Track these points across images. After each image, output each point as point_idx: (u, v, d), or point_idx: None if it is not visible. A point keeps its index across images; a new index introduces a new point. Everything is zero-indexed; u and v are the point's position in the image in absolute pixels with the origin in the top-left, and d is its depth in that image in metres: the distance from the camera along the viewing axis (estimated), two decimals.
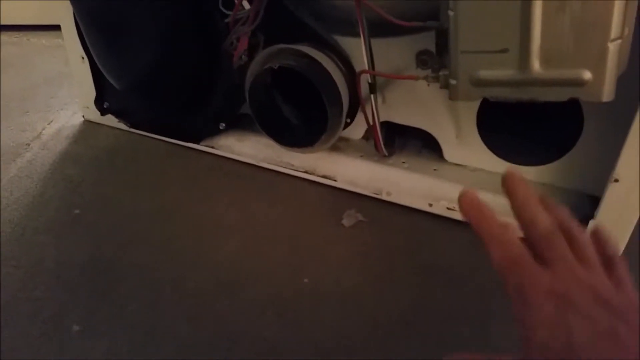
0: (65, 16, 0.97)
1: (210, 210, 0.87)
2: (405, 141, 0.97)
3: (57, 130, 1.08)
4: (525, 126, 0.81)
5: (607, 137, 0.74)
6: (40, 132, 1.07)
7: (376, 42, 0.78)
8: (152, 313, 0.68)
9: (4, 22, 1.59)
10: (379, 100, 0.86)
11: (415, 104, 0.86)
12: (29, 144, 1.04)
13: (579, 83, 0.62)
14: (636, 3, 0.62)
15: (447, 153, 0.90)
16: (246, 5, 0.78)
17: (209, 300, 0.71)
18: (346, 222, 0.85)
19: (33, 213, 0.86)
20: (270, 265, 0.77)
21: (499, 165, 0.87)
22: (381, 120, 0.87)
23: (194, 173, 0.96)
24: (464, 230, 0.82)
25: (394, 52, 0.81)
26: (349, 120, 0.87)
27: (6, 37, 1.56)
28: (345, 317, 0.68)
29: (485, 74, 0.65)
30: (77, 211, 0.86)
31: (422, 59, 0.81)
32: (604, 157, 0.73)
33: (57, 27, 1.01)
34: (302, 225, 0.84)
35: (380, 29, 0.77)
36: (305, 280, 0.74)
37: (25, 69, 1.35)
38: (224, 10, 0.80)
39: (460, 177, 0.88)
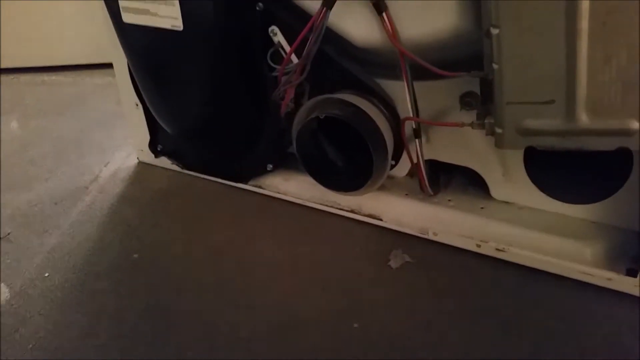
0: (118, 58, 1.02)
1: (259, 252, 0.90)
2: (450, 178, 0.97)
3: (113, 173, 1.14)
4: (574, 163, 0.81)
5: None
6: (98, 175, 1.13)
7: (419, 85, 0.80)
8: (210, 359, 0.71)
9: (59, 63, 1.68)
10: (423, 139, 0.88)
11: (460, 142, 0.87)
12: (87, 187, 1.10)
13: (627, 133, 0.62)
14: None
15: (494, 191, 0.90)
16: (294, 59, 0.80)
17: (263, 346, 0.73)
18: (393, 263, 0.86)
19: (94, 258, 0.91)
20: (321, 309, 0.78)
21: (547, 203, 0.86)
22: (426, 158, 0.88)
23: (242, 213, 0.99)
24: (512, 272, 0.82)
25: (437, 94, 0.82)
26: (394, 163, 0.88)
27: (62, 77, 1.65)
28: None
29: (531, 123, 0.66)
30: (135, 256, 0.91)
31: (467, 100, 0.81)
32: None
33: (108, 65, 1.06)
34: (350, 266, 0.86)
35: (424, 72, 0.78)
36: (355, 325, 0.76)
37: (80, 110, 1.43)
38: (272, 64, 0.83)
39: (508, 216, 0.87)
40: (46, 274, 0.88)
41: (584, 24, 0.58)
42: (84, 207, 1.04)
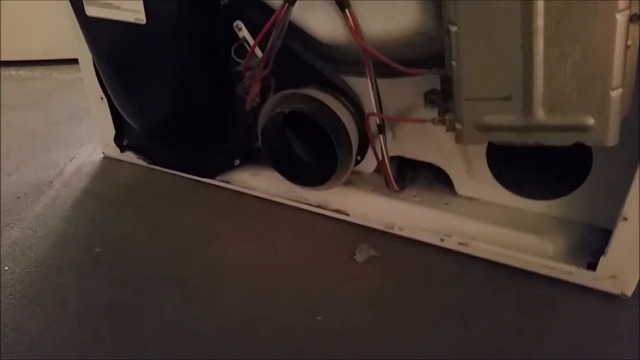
0: (83, 53, 1.00)
1: (225, 247, 0.89)
2: (416, 174, 0.98)
3: (78, 167, 1.12)
4: (535, 160, 0.82)
5: (617, 170, 0.74)
6: (62, 169, 1.12)
7: (384, 81, 0.80)
8: (171, 353, 0.71)
9: (27, 58, 1.65)
10: (389, 135, 0.88)
11: (424, 139, 0.88)
12: (51, 182, 1.08)
13: (583, 129, 0.63)
14: (637, 50, 0.63)
15: (459, 187, 0.91)
16: (258, 53, 0.80)
17: (226, 339, 0.73)
18: (359, 257, 0.86)
19: (56, 252, 0.89)
20: (285, 303, 0.79)
21: (510, 199, 0.88)
22: (392, 154, 0.89)
23: (209, 209, 0.99)
24: (475, 266, 0.83)
25: (402, 91, 0.83)
26: (359, 158, 0.89)
27: (31, 72, 1.62)
28: (358, 356, 0.70)
29: (489, 119, 0.67)
30: (97, 250, 0.90)
31: (430, 97, 0.82)
32: (615, 190, 0.73)
33: (77, 61, 1.05)
34: (316, 261, 0.86)
35: (388, 68, 0.79)
36: (319, 317, 0.76)
37: (48, 105, 1.40)
38: (236, 59, 0.82)
39: (472, 211, 0.88)
40: (6, 267, 0.87)
41: (539, 22, 0.58)
42: (47, 201, 1.02)
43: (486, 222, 0.86)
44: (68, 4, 0.89)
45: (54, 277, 0.84)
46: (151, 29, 0.83)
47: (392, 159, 0.91)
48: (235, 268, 0.85)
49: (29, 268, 0.86)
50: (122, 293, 0.81)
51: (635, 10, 0.61)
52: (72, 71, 1.57)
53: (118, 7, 0.83)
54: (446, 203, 0.91)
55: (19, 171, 1.11)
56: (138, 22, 0.82)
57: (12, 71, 1.63)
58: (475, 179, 0.89)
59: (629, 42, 0.61)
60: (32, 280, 0.84)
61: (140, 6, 0.81)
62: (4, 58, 1.65)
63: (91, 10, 0.86)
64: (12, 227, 0.95)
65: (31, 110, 1.38)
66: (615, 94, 0.60)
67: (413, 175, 0.98)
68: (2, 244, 0.91)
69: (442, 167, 0.91)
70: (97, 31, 0.89)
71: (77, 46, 0.99)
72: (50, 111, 1.37)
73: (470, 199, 0.91)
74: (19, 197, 1.03)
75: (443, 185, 0.94)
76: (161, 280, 0.83)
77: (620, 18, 0.56)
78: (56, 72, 1.61)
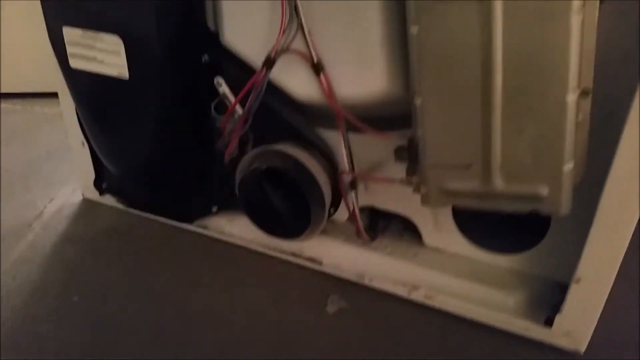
0: (64, 89, 0.99)
1: (199, 297, 0.91)
2: (389, 223, 1.02)
3: (58, 209, 1.14)
4: (499, 215, 0.86)
5: (577, 227, 0.78)
6: (42, 211, 1.13)
7: (357, 136, 0.84)
8: None
9: (6, 90, 1.66)
10: (361, 187, 0.92)
11: (394, 191, 0.91)
12: (31, 225, 1.09)
13: (538, 198, 0.67)
14: (588, 123, 0.69)
15: (426, 238, 0.95)
16: (238, 109, 0.84)
17: None
18: (330, 308, 0.89)
19: (34, 299, 0.90)
20: (256, 354, 0.81)
21: (475, 251, 0.92)
22: (364, 205, 0.93)
23: (185, 256, 1.01)
24: (441, 319, 0.86)
25: (374, 146, 0.86)
26: (332, 210, 0.92)
27: (10, 105, 1.63)
28: None
29: (452, 185, 0.71)
30: (75, 298, 0.91)
31: (400, 154, 0.86)
32: (575, 247, 0.77)
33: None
34: (288, 312, 0.88)
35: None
36: None
37: (27, 141, 1.41)
38: (215, 115, 0.86)
39: (438, 263, 0.92)
40: None
41: (497, 99, 0.63)
42: (26, 246, 1.03)
43: (451, 275, 0.89)
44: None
45: (32, 326, 0.85)
46: (134, 84, 0.86)
47: (364, 209, 0.95)
48: (207, 320, 0.87)
49: (7, 316, 0.87)
50: (98, 343, 0.82)
51: (585, 84, 0.67)
52: (53, 105, 1.58)
53: (102, 61, 0.86)
54: (414, 254, 0.95)
55: None
56: (121, 76, 0.86)
57: None
58: (441, 231, 0.93)
59: (580, 117, 0.66)
60: (9, 330, 0.85)
61: (123, 62, 0.84)
62: None
63: (75, 63, 0.89)
64: None
65: (11, 146, 1.39)
66: (567, 167, 0.64)
67: (385, 224, 1.02)
68: None
69: (411, 218, 0.94)
70: (80, 82, 0.92)
71: (58, 81, 0.99)
72: (30, 147, 1.39)
73: (437, 250, 0.95)
74: None
75: (413, 235, 0.97)
76: (136, 330, 0.85)
77: (570, 98, 0.61)
78: (37, 105, 1.62)
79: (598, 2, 0.62)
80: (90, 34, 0.84)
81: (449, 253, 0.94)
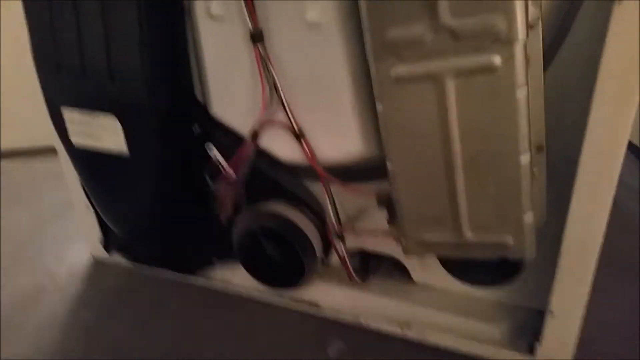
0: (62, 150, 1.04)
1: (207, 349, 0.98)
2: (380, 262, 1.08)
3: (69, 271, 1.21)
4: None
5: (551, 258, 0.84)
6: (55, 274, 1.20)
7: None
8: None
9: (9, 147, 1.72)
10: (350, 232, 0.99)
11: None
12: (45, 288, 1.16)
13: (505, 246, 0.74)
14: (544, 174, 0.76)
15: (414, 275, 1.02)
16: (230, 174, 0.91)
17: None
18: (330, 352, 0.96)
19: None
20: None
21: (459, 286, 0.98)
22: (354, 247, 1.00)
23: (193, 308, 1.07)
24: (435, 354, 0.92)
25: (357, 195, 0.93)
26: (324, 258, 0.99)
27: (10, 163, 1.70)
28: None
29: (428, 236, 0.78)
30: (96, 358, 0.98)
31: (382, 202, 0.94)
32: (552, 277, 0.83)
33: None
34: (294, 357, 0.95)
35: (344, 175, 0.89)
36: None
37: (32, 201, 1.48)
38: (209, 181, 0.93)
39: (428, 300, 0.99)
40: None
41: (458, 164, 0.70)
42: (44, 313, 1.09)
43: (440, 311, 0.96)
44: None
45: None
46: (132, 157, 0.93)
47: (355, 251, 1.01)
48: None
49: None
50: None
51: (538, 141, 0.74)
52: (54, 159, 1.65)
53: (100, 139, 0.93)
54: (405, 292, 1.01)
55: (11, 281, 1.19)
56: (120, 152, 0.93)
57: None
58: (428, 269, 1.00)
59: (536, 170, 0.73)
60: None
61: (122, 140, 0.91)
62: None
63: (75, 138, 0.96)
64: (11, 343, 1.02)
65: (15, 208, 1.46)
66: (527, 217, 0.71)
67: (376, 264, 1.08)
68: None
69: (398, 257, 1.01)
70: (81, 156, 0.99)
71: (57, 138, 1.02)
72: (35, 207, 1.46)
73: (426, 286, 1.02)
74: (13, 309, 1.11)
75: (402, 273, 1.04)
76: None
77: (523, 160, 0.68)
78: (38, 162, 1.69)
79: (542, 68, 0.70)
80: (88, 113, 0.91)
81: (437, 289, 1.01)
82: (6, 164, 1.69)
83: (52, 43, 0.84)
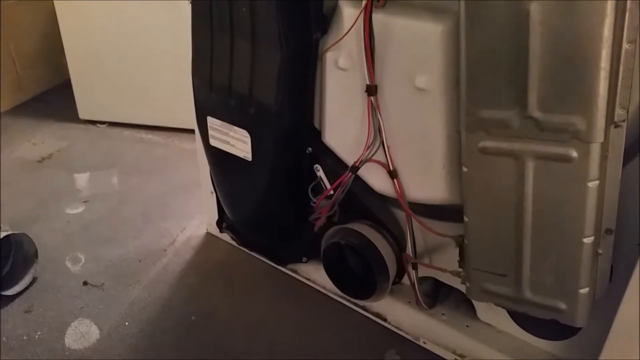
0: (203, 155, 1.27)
1: (281, 332, 1.15)
2: (450, 291, 1.18)
3: (187, 239, 1.44)
4: None
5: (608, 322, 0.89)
6: (175, 240, 1.43)
7: (423, 220, 1.02)
8: None
9: (155, 124, 2.02)
10: (427, 260, 1.10)
11: (452, 266, 1.08)
12: (165, 250, 1.40)
13: (558, 311, 0.82)
14: (610, 254, 0.82)
15: (479, 313, 1.11)
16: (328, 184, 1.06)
17: None
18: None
19: (163, 315, 1.20)
20: None
21: (521, 332, 1.06)
22: (425, 275, 1.10)
23: (278, 294, 1.25)
24: None
25: (437, 230, 1.04)
26: (397, 280, 1.11)
27: (157, 136, 1.99)
28: None
29: (490, 287, 0.87)
30: (193, 318, 1.19)
31: (459, 240, 1.03)
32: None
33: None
34: (352, 357, 1.09)
35: (427, 211, 1.00)
36: None
37: (168, 174, 1.74)
38: (312, 197, 1.09)
39: (487, 338, 1.07)
40: (126, 323, 1.18)
41: (527, 231, 0.79)
42: (160, 268, 1.33)
43: (496, 351, 1.04)
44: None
45: (160, 336, 1.14)
46: (254, 163, 1.11)
47: (428, 278, 1.12)
48: (286, 353, 1.10)
49: (142, 326, 1.17)
50: (206, 357, 1.09)
51: (609, 225, 0.80)
52: (189, 140, 1.91)
53: (233, 145, 1.12)
54: (467, 325, 1.11)
55: (142, 236, 1.45)
56: (245, 157, 1.11)
57: (143, 134, 2.01)
58: (493, 309, 1.08)
59: (601, 250, 0.80)
60: (144, 336, 1.14)
61: (249, 149, 1.10)
62: (138, 122, 2.04)
63: (213, 141, 1.17)
64: (133, 288, 1.27)
65: (154, 176, 1.73)
66: (583, 291, 0.79)
67: (446, 293, 1.18)
68: (123, 302, 1.23)
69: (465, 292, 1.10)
70: (215, 155, 1.19)
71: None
72: (169, 179, 1.72)
73: (488, 325, 1.10)
74: (140, 261, 1.35)
75: (469, 307, 1.13)
76: (234, 352, 1.10)
77: (587, 241, 0.76)
78: (177, 140, 1.96)
79: (621, 161, 0.76)
80: (227, 125, 1.11)
81: (498, 329, 1.09)
82: (154, 137, 1.98)
83: (209, 65, 1.04)
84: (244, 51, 0.96)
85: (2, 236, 1.21)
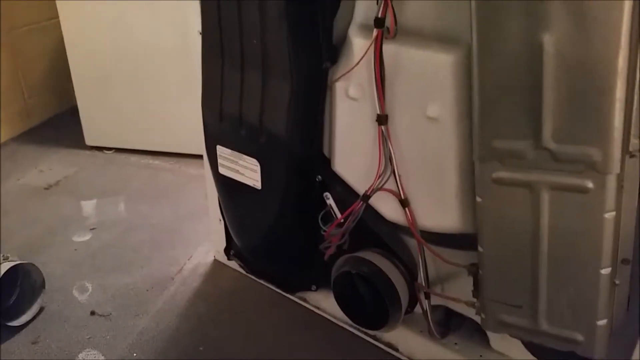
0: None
1: None
2: (463, 320, 1.17)
3: (194, 267, 1.43)
4: None
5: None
6: (182, 268, 1.42)
7: (435, 249, 1.01)
8: None
9: (162, 149, 2.02)
10: (439, 289, 1.08)
11: (466, 297, 1.07)
12: (173, 278, 1.38)
13: (575, 342, 0.80)
14: (628, 282, 0.81)
15: (493, 342, 1.09)
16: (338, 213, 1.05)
17: None
18: None
19: (171, 346, 1.18)
20: None
21: None
22: (438, 304, 1.09)
23: (287, 322, 1.24)
24: None
25: (450, 259, 1.03)
26: (410, 309, 1.09)
27: (164, 162, 1.99)
28: None
29: (505, 318, 0.86)
30: (201, 348, 1.17)
31: (472, 270, 1.02)
32: None
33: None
34: None
35: (439, 240, 0.99)
36: None
37: (175, 200, 1.74)
38: (322, 226, 1.08)
39: None
40: (134, 354, 1.16)
41: (543, 261, 0.78)
42: (168, 297, 1.32)
43: None
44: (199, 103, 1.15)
45: None
46: (264, 192, 1.11)
47: (441, 306, 1.11)
48: None
49: (149, 357, 1.15)
50: None
51: (625, 255, 0.79)
52: (196, 166, 1.91)
53: (242, 174, 1.12)
54: (480, 355, 1.09)
55: (149, 264, 1.44)
56: (254, 186, 1.11)
57: (149, 160, 2.01)
58: (507, 338, 1.06)
59: (618, 281, 0.79)
60: None
61: (258, 177, 1.10)
62: (145, 148, 2.04)
63: (222, 170, 1.16)
64: (140, 318, 1.25)
65: (161, 203, 1.73)
66: (600, 323, 0.77)
67: (459, 322, 1.17)
68: (131, 332, 1.21)
69: (480, 322, 1.09)
70: (224, 182, 1.19)
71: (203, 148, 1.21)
72: (177, 205, 1.71)
73: (501, 354, 1.08)
74: (147, 290, 1.34)
75: (482, 336, 1.11)
76: None
77: (604, 272, 0.75)
78: (184, 165, 1.96)
79: (637, 190, 0.76)
80: (237, 154, 1.10)
81: (511, 359, 1.07)
82: (161, 163, 1.98)
83: (219, 96, 1.04)
84: (254, 81, 0.97)
85: (10, 266, 1.20)
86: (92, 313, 1.27)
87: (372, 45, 0.85)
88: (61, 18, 1.95)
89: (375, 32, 0.84)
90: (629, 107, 0.67)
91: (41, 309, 1.27)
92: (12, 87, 2.17)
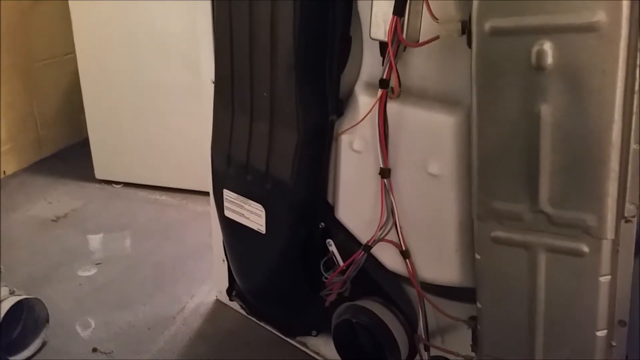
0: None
1: None
2: None
3: (196, 306, 1.44)
4: None
5: None
6: (184, 307, 1.43)
7: (436, 300, 1.02)
8: None
9: (170, 185, 2.05)
10: (438, 340, 1.09)
11: (464, 350, 1.07)
12: (174, 317, 1.39)
13: None
14: (624, 344, 0.82)
15: None
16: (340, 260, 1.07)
17: None
18: None
19: None
20: None
21: None
22: (439, 355, 1.09)
23: None
24: None
25: (449, 310, 1.04)
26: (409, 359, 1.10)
27: (171, 198, 2.02)
28: None
29: None
30: None
31: (472, 323, 1.03)
32: None
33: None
34: None
35: (440, 291, 1.01)
36: None
37: (180, 237, 1.76)
38: (324, 273, 1.09)
39: None
40: None
41: (539, 326, 0.79)
42: (169, 337, 1.33)
43: None
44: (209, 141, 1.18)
45: None
46: (268, 237, 1.13)
47: (439, 357, 1.11)
48: None
49: None
50: None
51: (621, 316, 0.80)
52: (203, 203, 1.93)
53: (247, 218, 1.14)
54: None
55: (152, 301, 1.45)
56: (259, 230, 1.13)
57: (157, 195, 2.04)
58: None
59: (614, 343, 0.79)
60: None
61: (263, 222, 1.12)
62: (153, 183, 2.07)
63: (228, 213, 1.19)
64: (141, 357, 1.26)
65: (166, 239, 1.75)
66: None
67: None
68: None
69: None
70: (229, 225, 1.21)
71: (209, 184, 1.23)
72: (181, 242, 1.73)
73: None
74: (149, 329, 1.35)
75: None
76: None
77: (600, 334, 0.76)
78: (191, 202, 1.99)
79: (633, 254, 0.77)
80: (242, 198, 1.13)
81: None
82: (168, 199, 2.01)
83: (228, 141, 1.07)
84: (262, 130, 1.00)
85: (15, 301, 1.22)
86: (94, 350, 1.28)
87: (377, 104, 0.88)
88: (78, 54, 2.02)
89: (380, 92, 0.87)
90: (623, 174, 0.70)
91: (43, 344, 1.28)
92: (26, 118, 2.22)
